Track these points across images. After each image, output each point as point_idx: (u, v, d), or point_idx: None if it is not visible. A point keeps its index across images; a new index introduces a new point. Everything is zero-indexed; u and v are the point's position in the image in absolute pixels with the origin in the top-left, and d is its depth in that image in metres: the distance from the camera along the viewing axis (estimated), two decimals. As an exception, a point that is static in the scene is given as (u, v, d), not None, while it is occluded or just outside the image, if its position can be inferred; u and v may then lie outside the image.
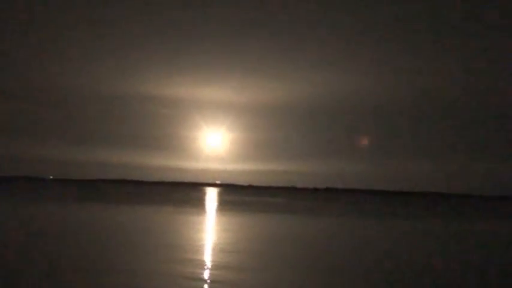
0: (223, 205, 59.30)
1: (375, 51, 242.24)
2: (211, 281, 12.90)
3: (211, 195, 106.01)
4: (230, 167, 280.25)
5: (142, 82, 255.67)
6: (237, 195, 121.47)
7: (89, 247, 18.20)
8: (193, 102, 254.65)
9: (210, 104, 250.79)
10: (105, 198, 66.05)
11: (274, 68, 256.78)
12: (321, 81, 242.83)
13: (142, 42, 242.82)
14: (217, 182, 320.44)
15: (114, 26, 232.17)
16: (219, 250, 18.73)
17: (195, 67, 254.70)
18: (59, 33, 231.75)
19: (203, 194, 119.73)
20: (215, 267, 15.02)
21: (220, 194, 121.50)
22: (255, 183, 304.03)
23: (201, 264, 15.36)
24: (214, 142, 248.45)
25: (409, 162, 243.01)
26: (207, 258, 16.79)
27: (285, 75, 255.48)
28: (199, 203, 61.94)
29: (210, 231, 26.33)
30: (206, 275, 13.75)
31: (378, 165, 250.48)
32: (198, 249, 18.69)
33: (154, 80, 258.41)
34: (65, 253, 16.54)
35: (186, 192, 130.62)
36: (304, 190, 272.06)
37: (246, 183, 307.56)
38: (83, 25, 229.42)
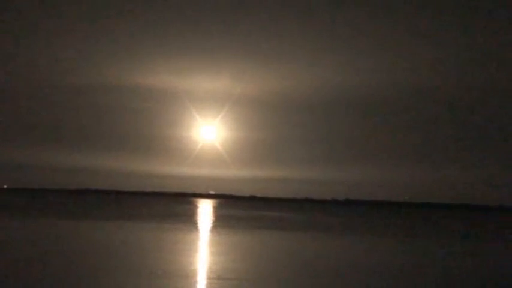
0: (219, 221, 59.00)
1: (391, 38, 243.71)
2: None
3: (204, 209, 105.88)
4: (227, 173, 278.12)
5: (113, 68, 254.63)
6: (236, 208, 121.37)
7: (47, 275, 17.81)
8: (179, 94, 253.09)
9: (201, 96, 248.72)
10: (66, 212, 65.85)
11: (285, 52, 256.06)
12: (340, 67, 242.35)
13: (115, 20, 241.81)
14: (211, 192, 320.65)
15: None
16: (215, 277, 18.41)
17: (182, 51, 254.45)
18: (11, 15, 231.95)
19: (194, 207, 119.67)
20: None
21: (215, 207, 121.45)
22: (259, 193, 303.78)
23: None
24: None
25: (453, 170, 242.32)
26: (201, 287, 16.42)
27: (297, 60, 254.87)
28: (189, 219, 61.70)
29: (203, 253, 26.00)
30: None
31: (412, 172, 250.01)
32: (190, 277, 18.35)
33: (128, 66, 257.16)
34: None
35: (172, 204, 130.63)
36: (320, 202, 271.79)
37: (247, 194, 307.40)
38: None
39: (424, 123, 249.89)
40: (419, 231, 56.04)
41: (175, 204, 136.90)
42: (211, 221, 57.07)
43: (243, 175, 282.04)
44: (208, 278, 18.37)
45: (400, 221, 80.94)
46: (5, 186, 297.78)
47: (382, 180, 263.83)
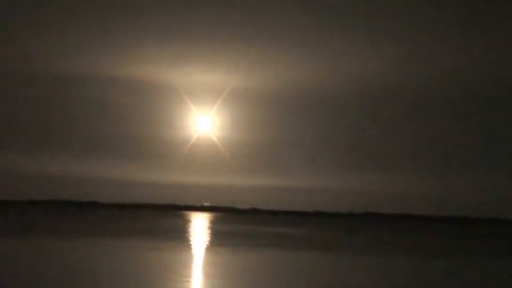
0: (215, 238, 59.16)
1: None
2: None
3: (197, 224, 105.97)
4: (224, 181, 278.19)
5: (89, 57, 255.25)
6: (234, 223, 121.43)
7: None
8: (167, 87, 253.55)
9: (193, 90, 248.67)
10: (33, 227, 66.02)
11: (291, 43, 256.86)
12: (354, 57, 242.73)
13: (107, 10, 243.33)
14: (206, 204, 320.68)
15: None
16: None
17: (173, 38, 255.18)
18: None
19: (185, 221, 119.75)
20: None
21: (210, 222, 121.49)
22: (261, 205, 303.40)
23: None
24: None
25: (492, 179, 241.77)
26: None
27: (302, 52, 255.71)
28: (179, 235, 61.81)
29: (196, 277, 26.09)
30: None
31: (439, 183, 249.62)
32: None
33: (109, 55, 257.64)
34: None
35: (159, 218, 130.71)
36: (333, 216, 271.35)
37: (247, 206, 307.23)
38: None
39: (451, 131, 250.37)
40: (451, 248, 56.11)
41: (163, 218, 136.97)
42: (206, 238, 57.23)
43: (242, 184, 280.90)
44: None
45: (428, 237, 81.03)
46: None
47: (406, 190, 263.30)
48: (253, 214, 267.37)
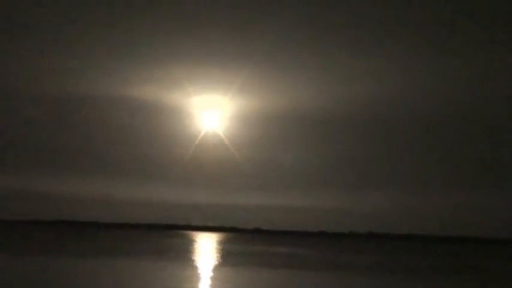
0: (217, 259, 59.20)
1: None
2: None
3: (198, 245, 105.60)
4: (225, 200, 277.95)
5: (94, 77, 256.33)
6: (237, 243, 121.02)
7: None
8: (170, 107, 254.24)
9: (196, 108, 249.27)
10: (38, 247, 66.09)
11: (291, 62, 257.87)
12: (355, 78, 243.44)
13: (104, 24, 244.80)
14: (210, 224, 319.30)
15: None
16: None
17: (176, 59, 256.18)
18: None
19: (188, 241, 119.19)
20: None
21: (211, 242, 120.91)
22: (264, 225, 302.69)
23: None
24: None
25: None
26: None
27: (304, 71, 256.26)
28: (182, 255, 61.77)
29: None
30: None
31: (448, 202, 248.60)
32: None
33: (113, 75, 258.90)
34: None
35: (160, 239, 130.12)
36: (337, 236, 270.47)
37: (250, 226, 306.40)
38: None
39: (456, 151, 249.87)
40: (454, 268, 56.07)
41: (165, 238, 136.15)
42: (207, 260, 57.21)
43: (244, 202, 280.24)
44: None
45: (431, 257, 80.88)
46: None
47: (411, 210, 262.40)
48: (256, 234, 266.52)
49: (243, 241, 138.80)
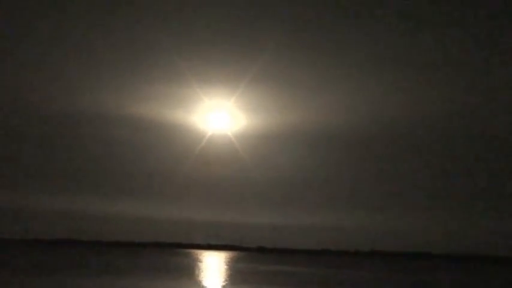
0: (220, 278, 59.56)
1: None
2: None
3: (201, 264, 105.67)
4: (226, 218, 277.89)
5: (95, 95, 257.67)
6: (240, 262, 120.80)
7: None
8: (172, 125, 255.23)
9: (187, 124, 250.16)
10: (43, 266, 66.57)
11: (298, 80, 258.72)
12: (360, 97, 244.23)
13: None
14: (211, 242, 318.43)
15: None
16: None
17: (179, 76, 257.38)
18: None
19: (191, 260, 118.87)
20: None
21: (212, 261, 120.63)
22: (267, 244, 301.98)
23: None
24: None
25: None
26: None
27: (309, 90, 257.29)
28: (185, 274, 62.02)
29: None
30: None
31: (453, 220, 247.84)
32: None
33: (115, 93, 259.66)
34: None
35: (163, 257, 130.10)
36: (344, 255, 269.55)
37: (253, 245, 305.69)
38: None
39: (460, 170, 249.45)
40: (459, 286, 56.39)
41: (168, 256, 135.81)
42: (210, 279, 57.67)
43: (246, 221, 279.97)
44: None
45: (435, 275, 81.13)
46: None
47: (414, 228, 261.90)
48: (260, 252, 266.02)
49: (248, 260, 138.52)
